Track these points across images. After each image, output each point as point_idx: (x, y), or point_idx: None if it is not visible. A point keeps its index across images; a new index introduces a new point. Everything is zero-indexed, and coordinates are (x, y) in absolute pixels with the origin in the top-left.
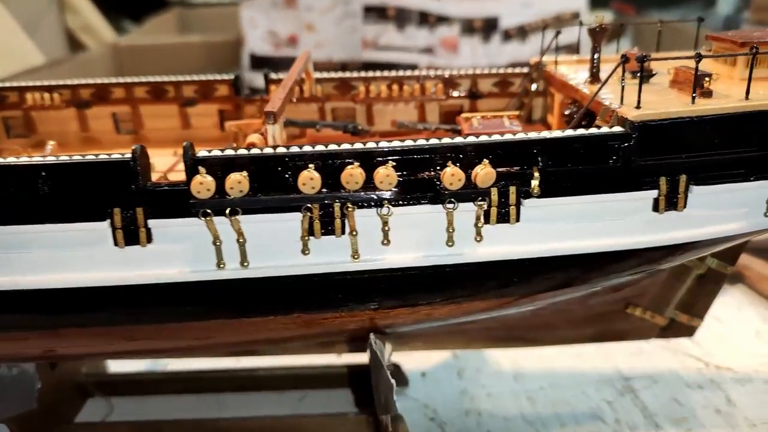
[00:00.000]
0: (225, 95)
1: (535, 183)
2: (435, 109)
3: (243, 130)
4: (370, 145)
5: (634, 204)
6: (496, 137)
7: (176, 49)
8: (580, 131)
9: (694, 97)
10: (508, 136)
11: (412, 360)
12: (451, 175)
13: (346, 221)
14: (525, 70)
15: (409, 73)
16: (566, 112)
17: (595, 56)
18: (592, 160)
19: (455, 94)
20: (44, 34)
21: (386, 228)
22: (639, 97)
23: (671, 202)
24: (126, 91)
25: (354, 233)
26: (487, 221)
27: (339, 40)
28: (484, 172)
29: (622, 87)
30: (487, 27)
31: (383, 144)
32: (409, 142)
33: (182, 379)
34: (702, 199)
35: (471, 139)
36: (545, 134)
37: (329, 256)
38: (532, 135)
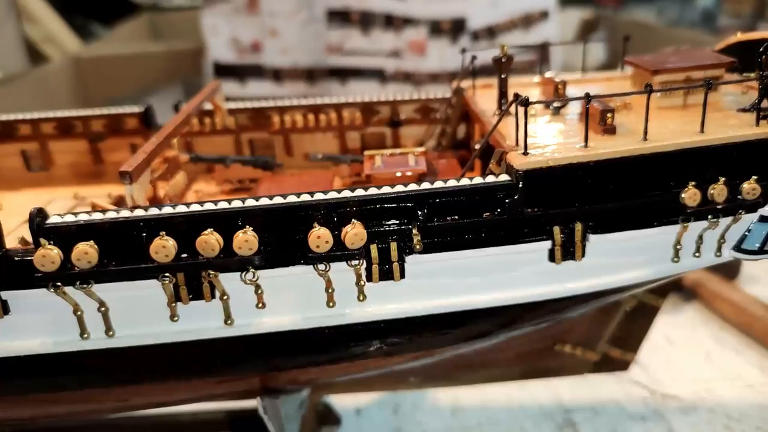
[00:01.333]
0: (135, 128)
1: (416, 239)
2: (356, 138)
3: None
4: (234, 203)
5: (528, 256)
6: (373, 191)
7: (139, 60)
8: (462, 182)
9: (586, 141)
10: (384, 190)
11: (347, 396)
12: (317, 238)
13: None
14: (447, 95)
15: (327, 101)
16: (476, 146)
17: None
18: (477, 212)
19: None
20: (1, 46)
21: (259, 291)
22: (525, 142)
23: (568, 251)
24: (32, 128)
25: (225, 297)
26: (369, 279)
27: (303, 46)
28: (353, 233)
29: (516, 128)
30: (455, 28)
31: (242, 204)
32: (278, 199)
33: (102, 425)
34: (602, 248)
35: (341, 195)
36: (424, 186)
37: (201, 321)
38: (409, 188)
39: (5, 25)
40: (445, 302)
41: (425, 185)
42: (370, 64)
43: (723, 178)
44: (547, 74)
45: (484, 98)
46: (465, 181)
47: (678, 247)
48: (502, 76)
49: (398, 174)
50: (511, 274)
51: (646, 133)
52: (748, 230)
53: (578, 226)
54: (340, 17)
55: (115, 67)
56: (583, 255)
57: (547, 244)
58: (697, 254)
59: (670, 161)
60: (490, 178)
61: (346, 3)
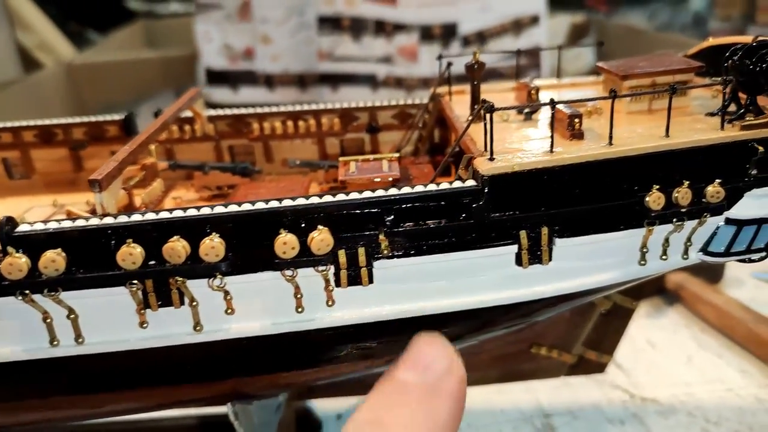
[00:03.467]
0: (116, 136)
1: (383, 244)
2: (336, 144)
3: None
4: (203, 210)
5: (496, 260)
6: (339, 197)
7: (132, 66)
8: (429, 187)
9: (552, 146)
10: (351, 196)
11: (328, 401)
12: (283, 244)
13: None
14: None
15: (306, 107)
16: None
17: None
18: (443, 217)
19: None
20: None
21: (228, 297)
22: (491, 147)
23: (535, 255)
24: (13, 136)
25: (194, 303)
26: (338, 284)
27: (295, 52)
28: (319, 239)
29: (485, 133)
30: (446, 33)
31: (210, 211)
32: (246, 206)
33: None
34: (569, 251)
35: (308, 201)
36: (391, 192)
37: (170, 327)
38: (375, 194)
39: None
40: (414, 306)
41: (392, 191)
42: (361, 70)
43: (687, 182)
44: (524, 80)
45: (459, 104)
46: (432, 187)
47: (644, 250)
48: (475, 83)
49: (371, 180)
50: (479, 278)
51: (611, 138)
52: (715, 233)
53: (544, 230)
54: (331, 24)
55: (108, 74)
56: (550, 259)
57: (514, 248)
58: (664, 257)
59: (635, 165)
60: (457, 183)
61: (337, 9)
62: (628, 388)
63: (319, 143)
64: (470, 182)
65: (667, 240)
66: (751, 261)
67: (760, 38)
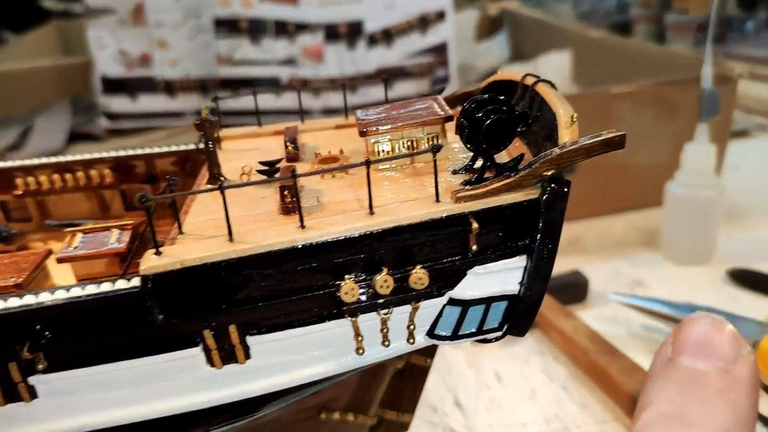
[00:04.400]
0: None
1: (36, 359)
2: (116, 198)
3: None
4: None
5: (182, 362)
6: None
7: (23, 76)
8: (87, 289)
9: (230, 234)
10: None
11: None
12: None
13: None
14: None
15: (78, 157)
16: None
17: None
18: (104, 324)
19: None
20: None
21: None
22: (154, 241)
23: (228, 355)
24: None
25: None
26: None
27: (194, 57)
28: None
29: (176, 217)
30: (352, 32)
31: None
32: None
33: None
34: (270, 347)
35: None
36: (38, 300)
37: None
38: (8, 305)
39: None
40: (94, 419)
41: (43, 296)
42: (263, 74)
43: (386, 269)
44: (289, 125)
45: (226, 153)
46: (91, 288)
47: (359, 338)
48: (209, 143)
49: (94, 255)
50: (169, 382)
51: (302, 220)
52: (440, 314)
53: (232, 329)
54: (227, 26)
55: (1, 84)
56: (247, 357)
57: (200, 349)
58: (385, 343)
59: (325, 251)
60: (121, 284)
61: (233, 11)
62: (461, 431)
63: (96, 197)
64: (135, 281)
65: (385, 325)
66: (487, 341)
67: (529, 77)
